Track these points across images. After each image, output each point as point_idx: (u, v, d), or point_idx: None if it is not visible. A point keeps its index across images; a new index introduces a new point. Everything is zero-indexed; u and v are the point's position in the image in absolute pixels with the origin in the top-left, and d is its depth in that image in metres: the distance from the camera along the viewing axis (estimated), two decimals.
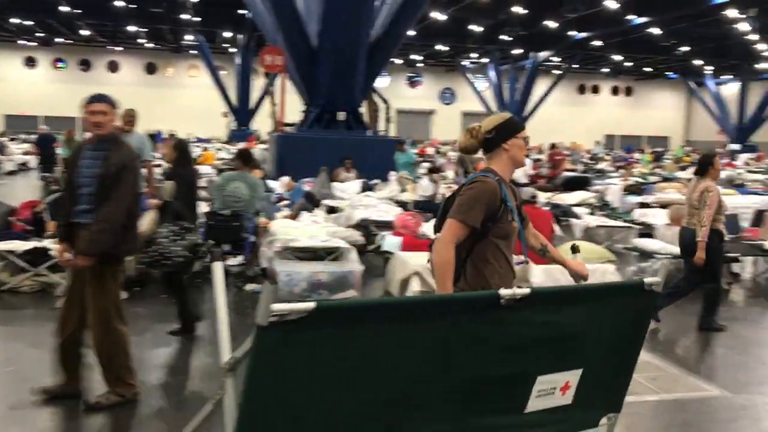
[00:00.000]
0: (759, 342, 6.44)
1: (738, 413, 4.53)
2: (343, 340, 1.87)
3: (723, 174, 19.07)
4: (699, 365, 5.62)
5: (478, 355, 2.11)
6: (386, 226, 8.83)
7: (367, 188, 12.24)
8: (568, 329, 2.26)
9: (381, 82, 35.54)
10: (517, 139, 3.00)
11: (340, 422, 1.96)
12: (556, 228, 9.13)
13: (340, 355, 1.88)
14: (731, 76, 39.34)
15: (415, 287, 6.58)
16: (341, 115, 14.93)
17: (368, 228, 9.10)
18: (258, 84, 32.98)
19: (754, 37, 28.92)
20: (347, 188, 12.17)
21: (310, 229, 8.26)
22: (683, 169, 22.16)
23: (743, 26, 26.68)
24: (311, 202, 10.59)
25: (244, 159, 7.96)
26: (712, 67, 38.04)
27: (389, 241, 7.87)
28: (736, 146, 35.03)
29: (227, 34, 33.72)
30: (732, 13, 24.59)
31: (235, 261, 7.81)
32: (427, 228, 8.51)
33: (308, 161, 12.96)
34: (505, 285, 2.77)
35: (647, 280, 2.41)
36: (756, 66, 35.99)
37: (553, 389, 2.31)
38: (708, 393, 4.87)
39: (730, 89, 39.23)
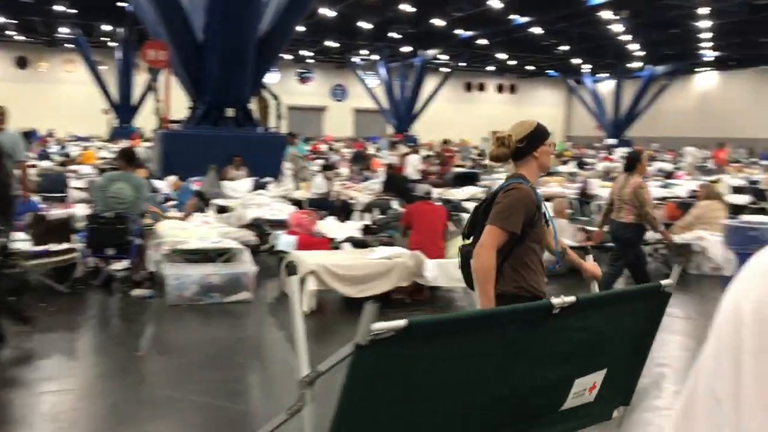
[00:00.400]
0: None
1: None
2: (431, 354, 1.97)
3: (600, 167, 20.16)
4: None
5: (533, 362, 2.21)
6: (280, 225, 8.70)
7: (258, 186, 12.01)
8: (598, 333, 2.41)
9: (271, 78, 35.01)
10: (545, 146, 3.13)
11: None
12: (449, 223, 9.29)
13: (427, 368, 1.98)
14: (607, 74, 41.57)
15: (311, 286, 6.50)
16: (230, 112, 14.58)
17: (261, 227, 8.93)
18: (141, 80, 31.68)
19: (627, 37, 30.70)
20: (238, 187, 11.89)
21: (201, 230, 8.00)
22: (565, 163, 23.20)
23: (617, 27, 28.26)
24: (203, 201, 10.29)
25: (128, 158, 7.61)
26: (589, 66, 40.05)
27: (283, 241, 7.75)
28: (612, 141, 37.08)
29: (106, 27, 32.16)
30: (607, 14, 25.97)
31: (120, 265, 7.45)
32: (322, 226, 8.45)
33: (196, 159, 12.55)
34: (541, 288, 3.03)
35: (663, 282, 2.58)
36: (629, 65, 38.22)
37: (584, 390, 2.42)
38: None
39: (607, 87, 41.46)
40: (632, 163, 6.64)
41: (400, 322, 1.83)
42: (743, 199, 13.07)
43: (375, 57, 37.45)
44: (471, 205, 12.38)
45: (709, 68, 40.83)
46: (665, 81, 37.88)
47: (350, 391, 1.87)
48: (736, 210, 11.06)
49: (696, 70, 41.03)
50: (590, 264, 3.48)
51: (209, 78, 14.29)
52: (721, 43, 31.89)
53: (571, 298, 2.18)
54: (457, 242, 7.47)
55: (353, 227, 8.64)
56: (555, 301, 2.16)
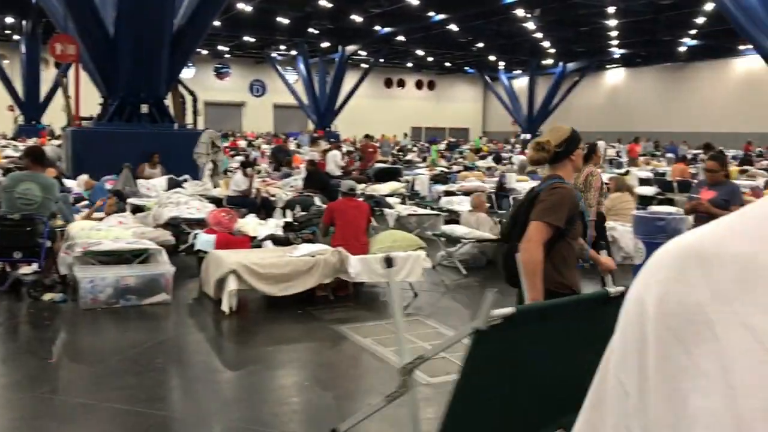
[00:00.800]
0: None
1: None
2: (530, 338, 2.18)
3: (516, 161, 20.68)
4: None
5: (596, 350, 2.42)
6: (198, 223, 8.51)
7: (175, 184, 11.70)
8: None
9: (187, 74, 34.18)
10: (578, 149, 3.41)
11: (520, 411, 2.30)
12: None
13: (528, 350, 2.20)
14: (521, 71, 42.66)
15: (231, 286, 6.40)
16: (144, 108, 14.13)
17: (179, 227, 8.72)
18: (49, 75, 30.29)
19: (540, 35, 31.60)
20: (154, 185, 11.55)
21: (115, 230, 7.73)
22: (482, 158, 23.69)
23: (530, 25, 29.04)
24: (122, 200, 9.95)
25: (35, 157, 7.26)
26: (504, 63, 40.99)
27: (202, 240, 7.59)
28: (527, 136, 38.08)
29: (10, 20, 30.57)
30: (520, 12, 26.64)
31: (28, 269, 7.12)
32: (242, 224, 8.32)
33: (109, 157, 12.12)
34: (578, 284, 3.27)
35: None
36: (542, 62, 39.33)
37: None
38: None
39: (521, 83, 42.52)
40: (587, 155, 6.99)
41: (508, 309, 2.06)
42: (650, 191, 13.69)
43: (294, 52, 37.13)
44: (393, 200, 12.55)
45: (617, 65, 42.57)
46: (576, 77, 39.19)
47: (469, 372, 2.06)
48: (643, 201, 11.58)
49: (605, 66, 42.69)
50: (605, 258, 3.71)
51: (121, 73, 13.80)
52: (628, 41, 33.26)
53: (621, 288, 2.45)
54: (381, 238, 7.52)
55: (274, 225, 8.55)
56: (612, 290, 2.45)
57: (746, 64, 34.50)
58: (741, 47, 32.04)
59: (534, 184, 14.16)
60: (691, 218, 6.62)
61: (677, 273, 0.59)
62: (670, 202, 12.09)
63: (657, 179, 15.26)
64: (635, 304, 0.62)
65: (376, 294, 7.49)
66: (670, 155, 24.37)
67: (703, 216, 5.82)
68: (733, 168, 18.59)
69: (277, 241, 7.80)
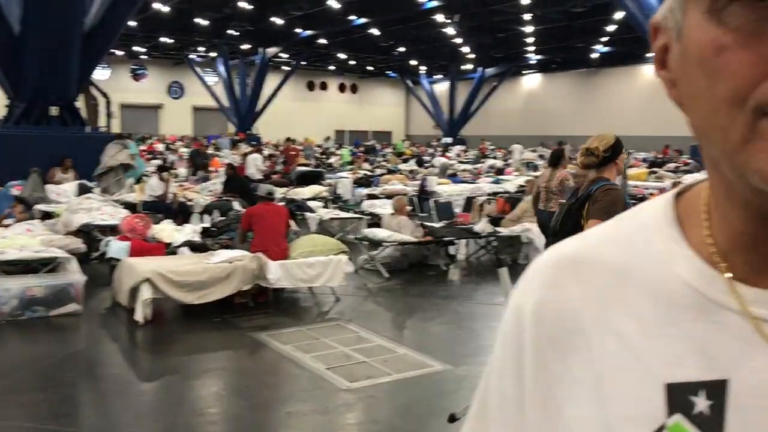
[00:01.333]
0: (472, 316, 7.15)
1: (459, 384, 4.98)
2: None
3: (438, 164, 20.95)
4: (424, 343, 6.07)
5: None
6: (111, 230, 8.23)
7: (86, 190, 11.25)
8: None
9: (100, 75, 33.07)
10: (623, 153, 3.88)
11: None
12: (292, 223, 9.25)
13: None
14: (442, 76, 43.29)
15: (146, 295, 6.20)
16: (54, 110, 13.54)
17: (91, 234, 8.40)
18: None
19: (459, 40, 32.15)
20: (65, 191, 11.08)
21: (21, 239, 7.37)
22: (405, 161, 23.89)
23: (450, 30, 29.50)
24: (27, 207, 9.48)
25: None
26: (425, 67, 41.49)
27: (115, 247, 7.33)
28: (448, 139, 38.67)
29: None
30: (440, 18, 27.03)
31: None
32: (158, 230, 8.09)
33: (16, 162, 11.55)
34: None
35: None
36: (462, 67, 40.04)
37: None
38: (433, 368, 5.28)
39: (442, 87, 43.15)
40: (557, 159, 7.52)
41: None
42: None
43: (213, 54, 36.45)
44: (316, 204, 12.48)
45: (533, 71, 43.79)
46: (495, 82, 40.09)
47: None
48: None
49: (522, 72, 43.85)
50: None
51: (28, 73, 13.19)
52: (543, 47, 34.29)
53: None
54: (302, 243, 7.45)
55: (191, 230, 8.35)
56: None
57: (653, 70, 36.16)
58: (649, 54, 33.54)
59: (455, 186, 14.39)
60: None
61: (553, 282, 0.60)
62: None
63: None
64: (514, 313, 0.63)
65: (296, 300, 7.42)
66: None
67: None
68: (643, 170, 19.45)
69: (194, 247, 7.61)
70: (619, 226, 0.61)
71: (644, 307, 0.55)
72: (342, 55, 38.26)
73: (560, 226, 3.83)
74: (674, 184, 15.70)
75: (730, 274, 0.52)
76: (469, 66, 39.85)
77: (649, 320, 0.54)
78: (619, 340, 0.55)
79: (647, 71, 37.77)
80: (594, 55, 35.74)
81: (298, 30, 30.42)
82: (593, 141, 3.86)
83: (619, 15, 24.19)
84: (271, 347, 5.77)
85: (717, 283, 0.53)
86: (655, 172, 18.93)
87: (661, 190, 13.80)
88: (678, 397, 0.51)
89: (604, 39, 31.41)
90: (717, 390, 0.50)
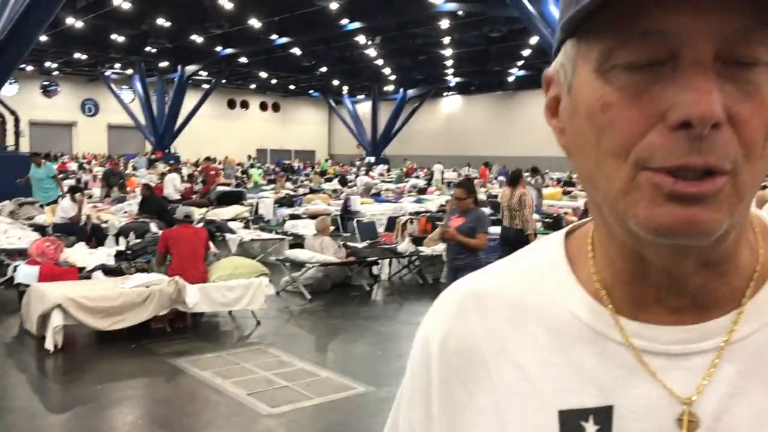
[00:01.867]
0: (396, 336, 7.19)
1: (381, 406, 4.98)
2: None
3: (361, 182, 21.05)
4: (347, 366, 6.06)
5: None
6: (20, 254, 7.86)
7: None
8: None
9: (8, 91, 31.65)
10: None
11: None
12: (211, 244, 9.09)
13: None
14: (364, 96, 43.65)
15: (56, 321, 5.94)
16: None
17: None
18: None
19: (380, 62, 32.54)
20: None
21: None
22: (329, 180, 23.89)
23: (371, 52, 29.83)
24: None
25: None
26: (348, 87, 41.75)
27: (24, 272, 7.00)
28: (371, 159, 38.94)
29: None
30: (361, 39, 27.30)
31: None
32: (70, 254, 7.79)
33: None
34: None
35: None
36: (385, 88, 40.53)
37: None
38: (356, 391, 5.27)
39: (365, 107, 43.47)
40: (516, 179, 8.05)
41: None
42: (487, 212, 14.42)
43: (130, 71, 35.54)
44: (236, 225, 12.27)
45: (453, 92, 44.77)
46: (416, 103, 40.73)
47: None
48: None
49: (443, 94, 44.76)
50: None
51: None
52: (463, 70, 35.11)
53: None
54: (221, 265, 7.32)
55: (105, 254, 8.07)
56: None
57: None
58: None
59: (378, 206, 14.47)
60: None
61: (457, 314, 0.64)
62: (499, 222, 12.78)
63: (490, 201, 16.12)
64: (421, 344, 0.66)
65: (215, 324, 7.27)
66: (502, 178, 25.83)
67: (452, 243, 6.10)
68: (557, 189, 20.12)
69: (109, 271, 7.36)
70: (518, 263, 0.65)
71: (540, 339, 0.59)
72: (263, 74, 38.03)
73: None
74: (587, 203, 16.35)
75: (612, 307, 0.57)
76: (391, 87, 40.37)
77: (544, 351, 0.58)
78: (517, 370, 0.59)
79: None
80: (510, 78, 36.85)
81: (218, 48, 30.07)
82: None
83: (534, 40, 25.08)
84: (190, 373, 5.62)
85: (603, 316, 0.57)
86: (569, 192, 19.60)
87: (575, 209, 14.30)
88: (569, 423, 0.56)
89: (520, 63, 32.45)
90: (604, 415, 0.55)
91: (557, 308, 0.59)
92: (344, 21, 24.56)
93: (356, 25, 24.66)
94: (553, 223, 12.08)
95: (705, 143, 0.47)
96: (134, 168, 26.39)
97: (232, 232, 11.46)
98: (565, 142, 0.57)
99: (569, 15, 0.51)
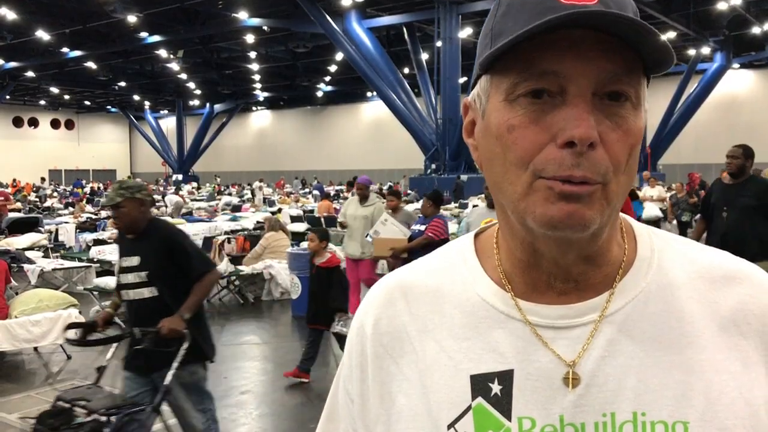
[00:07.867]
0: (219, 358, 7.02)
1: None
2: None
3: (170, 202, 20.20)
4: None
5: None
6: None
7: None
8: None
9: None
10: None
11: None
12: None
13: None
14: (168, 111, 42.10)
15: None
16: None
17: None
18: None
19: (184, 76, 31.59)
20: None
21: None
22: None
23: (174, 66, 28.88)
24: None
25: None
26: (150, 102, 40.03)
27: None
28: (179, 176, 37.62)
29: None
30: (163, 53, 26.36)
31: None
32: None
33: None
34: None
35: None
36: (190, 102, 39.37)
37: None
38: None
39: (170, 123, 41.94)
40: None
41: None
42: (302, 227, 14.50)
43: None
44: (35, 254, 11.28)
45: (263, 107, 44.61)
46: (225, 118, 40.07)
47: None
48: (296, 237, 12.26)
49: (252, 108, 44.43)
50: None
51: None
52: (271, 84, 35.13)
53: None
54: (23, 299, 6.75)
55: None
56: None
57: (373, 108, 38.95)
58: (369, 94, 36.10)
59: (191, 226, 13.95)
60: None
61: (387, 302, 0.79)
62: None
63: (307, 216, 16.28)
64: (357, 328, 0.81)
65: (20, 362, 6.67)
66: (316, 192, 26.13)
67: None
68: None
69: None
70: (436, 259, 0.81)
71: (455, 319, 0.74)
72: (55, 90, 35.36)
73: None
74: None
75: (513, 292, 0.72)
76: (197, 101, 39.35)
77: (458, 328, 0.73)
78: (437, 344, 0.73)
79: (367, 109, 40.58)
80: (319, 93, 37.49)
81: (0, 61, 27.52)
82: None
83: (339, 56, 25.74)
84: None
85: (505, 299, 0.72)
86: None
87: None
88: (479, 384, 0.70)
89: (327, 78, 33.14)
90: (506, 377, 0.69)
91: (469, 294, 0.74)
92: (144, 34, 23.61)
93: (157, 38, 23.80)
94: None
95: (584, 160, 0.62)
96: None
97: (30, 262, 10.54)
98: (478, 157, 0.72)
99: (485, 56, 0.65)
